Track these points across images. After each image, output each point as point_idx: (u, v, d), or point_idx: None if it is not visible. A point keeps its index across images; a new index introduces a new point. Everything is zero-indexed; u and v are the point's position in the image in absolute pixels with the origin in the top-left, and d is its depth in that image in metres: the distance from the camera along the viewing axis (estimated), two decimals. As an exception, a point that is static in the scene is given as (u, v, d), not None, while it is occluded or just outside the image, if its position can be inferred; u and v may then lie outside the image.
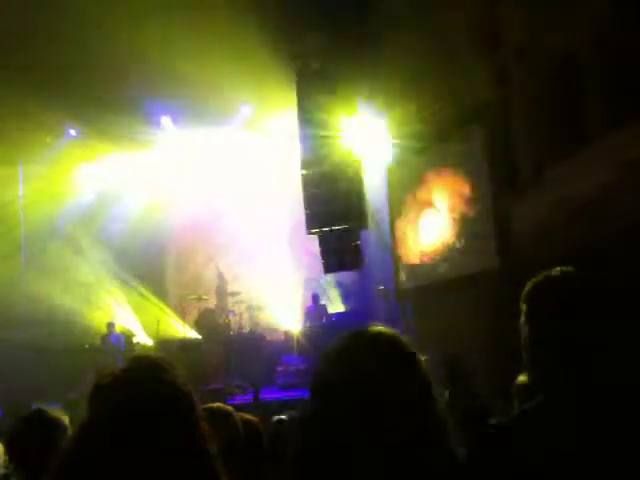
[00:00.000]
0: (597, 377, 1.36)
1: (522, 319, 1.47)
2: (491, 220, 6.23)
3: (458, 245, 6.88)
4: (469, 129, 6.54)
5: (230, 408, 2.64)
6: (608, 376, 1.35)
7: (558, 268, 1.41)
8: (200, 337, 10.49)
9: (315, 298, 10.67)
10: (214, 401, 2.80)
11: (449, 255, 7.05)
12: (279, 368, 9.29)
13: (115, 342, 9.77)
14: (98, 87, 8.70)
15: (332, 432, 1.19)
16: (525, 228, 5.33)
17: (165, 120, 10.64)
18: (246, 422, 2.75)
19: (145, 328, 11.57)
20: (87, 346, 9.86)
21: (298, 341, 9.83)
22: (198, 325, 10.75)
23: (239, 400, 8.26)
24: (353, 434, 1.17)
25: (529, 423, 1.41)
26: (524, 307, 1.47)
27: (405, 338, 1.27)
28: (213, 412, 2.30)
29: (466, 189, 6.68)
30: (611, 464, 1.28)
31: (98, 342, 9.91)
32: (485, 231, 6.34)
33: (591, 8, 4.17)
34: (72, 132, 10.71)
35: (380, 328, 1.29)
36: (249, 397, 8.40)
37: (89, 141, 10.80)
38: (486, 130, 6.23)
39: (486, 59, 5.73)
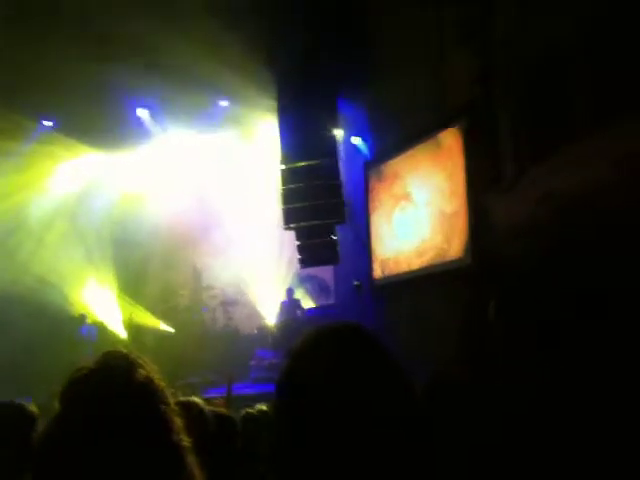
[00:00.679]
0: None
1: None
2: (469, 217, 6.29)
3: (434, 240, 6.93)
4: (450, 126, 6.58)
5: (201, 402, 2.64)
6: None
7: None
8: (174, 331, 10.44)
9: (289, 292, 10.67)
10: (188, 395, 2.80)
11: (424, 250, 7.10)
12: (253, 362, 9.29)
13: (85, 334, 9.67)
14: (72, 77, 8.57)
15: (299, 427, 1.19)
16: (503, 225, 5.38)
17: (142, 113, 10.53)
18: (218, 416, 2.75)
19: (119, 321, 11.49)
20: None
21: (272, 335, 9.84)
22: (173, 320, 10.70)
23: (213, 394, 8.24)
24: (319, 429, 1.17)
25: None
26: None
27: (372, 331, 1.26)
28: (184, 406, 2.29)
29: (444, 185, 6.73)
30: None
31: (70, 334, 9.80)
32: (462, 227, 6.40)
33: (576, 6, 4.21)
34: (46, 123, 10.50)
35: (345, 322, 1.27)
36: (222, 391, 8.38)
37: (64, 135, 10.61)
38: (467, 127, 6.27)
39: (470, 57, 5.77)
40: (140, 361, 1.49)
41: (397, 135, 7.46)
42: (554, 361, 1.44)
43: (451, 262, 6.55)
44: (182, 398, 2.54)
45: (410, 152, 7.30)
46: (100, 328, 10.52)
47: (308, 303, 11.07)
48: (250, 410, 3.80)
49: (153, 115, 10.59)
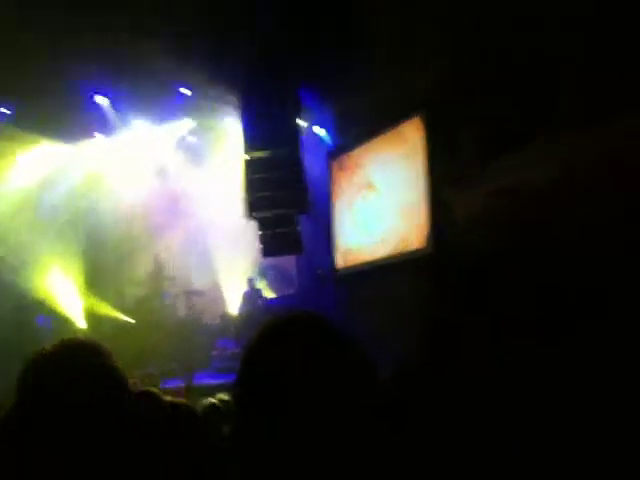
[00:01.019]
0: None
1: None
2: (430, 207, 6.36)
3: (397, 231, 6.99)
4: (412, 117, 6.63)
5: (157, 391, 2.62)
6: None
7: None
8: (134, 321, 10.33)
9: (251, 282, 10.65)
10: (148, 385, 2.78)
11: (387, 240, 7.16)
12: (215, 352, 9.26)
13: (42, 323, 9.49)
14: (27, 65, 8.35)
15: (258, 416, 1.20)
16: (462, 217, 5.45)
17: (101, 100, 10.34)
18: (175, 406, 2.73)
19: (79, 310, 11.33)
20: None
21: (234, 325, 9.82)
22: (133, 310, 10.58)
23: (173, 384, 8.20)
24: (279, 417, 1.18)
25: None
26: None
27: (332, 319, 1.28)
28: (140, 396, 2.28)
29: (406, 176, 6.78)
30: None
31: (27, 322, 9.62)
32: (424, 218, 6.47)
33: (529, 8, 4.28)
34: (3, 110, 10.19)
35: (305, 310, 1.29)
36: (184, 381, 8.35)
37: (21, 125, 10.32)
38: (429, 119, 6.33)
39: (435, 50, 5.81)
40: (98, 348, 1.49)
41: (360, 126, 7.49)
42: (508, 352, 1.47)
43: (413, 252, 6.63)
44: (139, 388, 2.53)
45: (373, 142, 7.34)
46: (58, 317, 10.34)
47: (270, 293, 11.07)
48: (211, 400, 3.79)
49: (113, 103, 10.40)
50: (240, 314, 10.18)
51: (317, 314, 1.29)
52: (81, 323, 10.81)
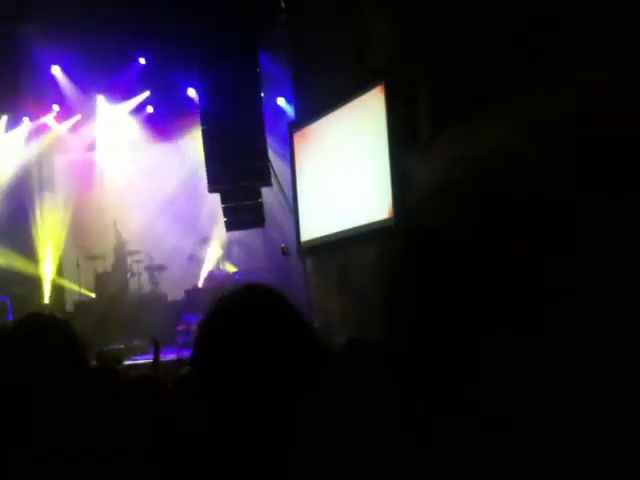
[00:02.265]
0: None
1: None
2: (392, 178, 6.34)
3: (361, 201, 6.98)
4: (373, 87, 6.57)
5: (117, 366, 2.60)
6: None
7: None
8: (97, 297, 10.19)
9: (218, 257, 10.62)
10: (114, 361, 2.74)
11: (351, 211, 7.14)
12: (180, 327, 9.20)
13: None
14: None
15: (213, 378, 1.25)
16: (421, 187, 5.46)
17: (56, 71, 10.05)
18: (141, 380, 2.71)
19: (38, 289, 11.15)
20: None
21: (199, 300, 9.76)
22: (95, 286, 10.44)
23: (139, 360, 8.14)
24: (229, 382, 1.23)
25: None
26: None
27: (280, 291, 1.35)
28: (99, 370, 2.26)
29: (369, 146, 6.75)
30: None
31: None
32: (387, 188, 6.45)
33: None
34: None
35: (257, 284, 1.38)
36: (150, 357, 8.29)
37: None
38: (388, 88, 6.29)
39: (391, 18, 5.75)
40: (59, 322, 1.50)
41: (321, 96, 7.40)
42: (467, 323, 1.47)
43: (377, 223, 6.62)
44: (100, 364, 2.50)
45: (334, 113, 7.27)
46: (18, 294, 10.17)
47: (236, 267, 11.03)
48: (180, 373, 3.78)
49: (69, 74, 10.12)
50: (205, 289, 10.13)
51: (268, 287, 1.36)
52: (43, 299, 10.68)
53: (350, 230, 7.07)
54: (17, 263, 11.24)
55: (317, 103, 7.62)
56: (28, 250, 11.46)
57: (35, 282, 11.29)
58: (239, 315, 1.28)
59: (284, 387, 1.21)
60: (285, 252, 8.43)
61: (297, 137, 8.08)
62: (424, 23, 5.02)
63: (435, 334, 1.45)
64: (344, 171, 7.22)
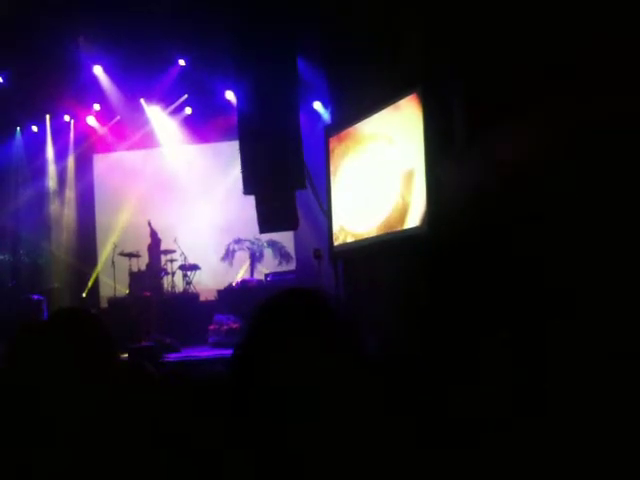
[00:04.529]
0: None
1: None
2: (427, 184, 6.29)
3: (394, 208, 6.95)
4: (409, 92, 6.54)
5: (146, 363, 2.63)
6: None
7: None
8: (130, 295, 10.34)
9: (252, 258, 10.71)
10: (145, 359, 2.78)
11: (384, 217, 7.12)
12: (211, 327, 9.28)
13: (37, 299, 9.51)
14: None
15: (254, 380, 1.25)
16: (457, 193, 5.42)
17: (97, 70, 10.24)
18: (163, 378, 2.74)
19: (76, 284, 11.41)
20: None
21: (231, 301, 9.83)
22: (130, 283, 10.59)
23: (170, 357, 8.24)
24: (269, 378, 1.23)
25: None
26: None
27: (323, 295, 1.33)
28: (129, 366, 2.28)
29: (405, 152, 6.72)
30: None
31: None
32: (421, 195, 6.41)
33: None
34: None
35: (303, 287, 1.36)
36: (179, 356, 8.41)
37: (19, 94, 10.21)
38: (425, 94, 6.25)
39: (426, 22, 5.73)
40: (91, 318, 1.52)
41: (357, 100, 7.40)
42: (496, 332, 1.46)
43: (410, 230, 6.59)
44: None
45: (370, 117, 7.26)
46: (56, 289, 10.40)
47: (269, 269, 11.09)
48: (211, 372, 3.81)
49: (109, 73, 10.31)
50: (238, 290, 10.19)
51: (313, 291, 1.35)
52: (81, 294, 10.92)
53: (382, 236, 7.05)
54: (57, 258, 11.51)
55: (353, 107, 7.62)
56: (67, 246, 11.72)
57: (74, 277, 11.54)
58: (283, 318, 1.29)
59: (318, 391, 1.21)
60: (317, 255, 8.44)
61: (333, 141, 8.10)
62: (459, 29, 4.99)
63: (464, 337, 1.46)
64: (378, 176, 7.21)
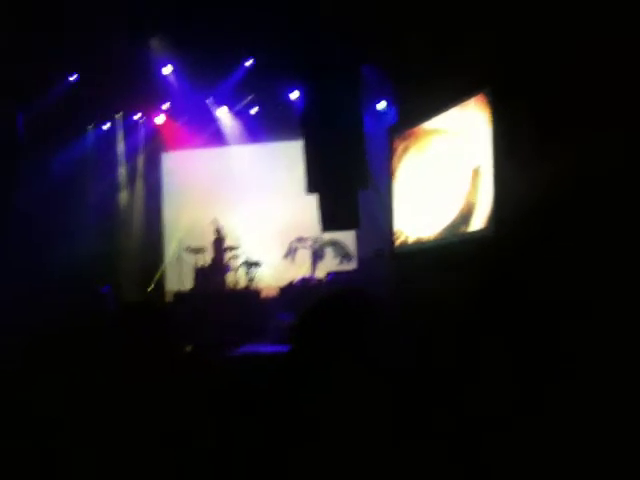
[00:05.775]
0: None
1: None
2: (492, 186, 6.19)
3: (458, 208, 6.86)
4: (476, 93, 6.45)
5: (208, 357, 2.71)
6: None
7: None
8: (195, 290, 10.56)
9: (315, 257, 10.78)
10: (207, 353, 2.85)
11: (448, 218, 7.03)
12: (272, 324, 9.38)
13: (106, 291, 9.85)
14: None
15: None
16: (523, 198, 5.31)
17: (167, 70, 10.52)
18: (225, 372, 2.80)
19: (144, 278, 11.75)
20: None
21: (292, 298, 9.90)
22: (194, 278, 10.82)
23: (232, 353, 8.37)
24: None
25: None
26: None
27: (371, 298, 1.45)
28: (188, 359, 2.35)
29: (470, 153, 6.62)
30: None
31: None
32: (487, 197, 6.31)
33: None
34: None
35: (350, 288, 1.49)
36: (241, 350, 8.52)
37: (88, 93, 10.57)
38: (493, 96, 6.15)
39: (494, 25, 5.63)
40: (157, 311, 1.58)
41: (422, 101, 7.33)
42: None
43: (474, 232, 6.49)
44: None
45: (436, 119, 7.19)
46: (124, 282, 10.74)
47: (330, 268, 11.12)
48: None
49: (178, 73, 10.57)
50: (299, 288, 10.26)
51: (361, 292, 1.43)
52: (147, 288, 11.24)
53: (444, 239, 6.97)
54: (125, 252, 11.88)
55: (418, 108, 7.56)
56: (136, 241, 12.09)
57: (140, 272, 11.88)
58: (329, 316, 1.39)
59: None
60: (379, 255, 8.42)
61: (397, 142, 8.05)
62: (529, 29, 4.87)
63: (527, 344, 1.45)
64: (441, 178, 7.13)
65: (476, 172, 6.49)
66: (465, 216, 6.68)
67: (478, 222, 6.41)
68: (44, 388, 1.55)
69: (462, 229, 6.68)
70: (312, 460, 1.31)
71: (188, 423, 1.58)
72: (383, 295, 6.56)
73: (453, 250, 6.71)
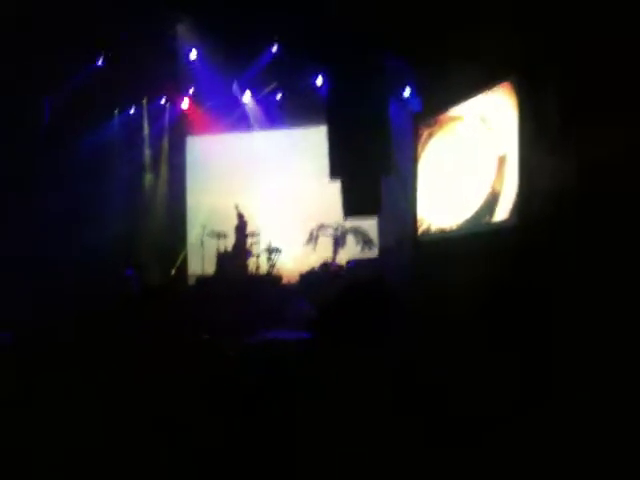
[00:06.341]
0: None
1: None
2: (519, 176, 6.11)
3: (482, 197, 6.79)
4: (502, 81, 6.36)
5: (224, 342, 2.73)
6: None
7: None
8: (217, 275, 10.63)
9: (336, 244, 10.78)
10: (226, 338, 2.87)
11: (472, 207, 6.97)
12: (292, 311, 9.41)
13: (130, 274, 9.95)
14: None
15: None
16: (549, 188, 5.23)
17: (193, 54, 10.54)
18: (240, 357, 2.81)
19: (167, 261, 11.85)
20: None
21: (312, 285, 9.92)
22: (217, 263, 10.89)
23: (250, 339, 8.41)
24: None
25: None
26: None
27: (391, 288, 1.49)
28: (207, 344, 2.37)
29: (496, 142, 6.54)
30: None
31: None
32: (512, 187, 6.23)
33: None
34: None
35: (368, 276, 1.55)
36: (260, 336, 8.55)
37: (114, 76, 10.62)
38: (519, 84, 6.06)
39: (520, 20, 5.54)
40: (175, 296, 1.62)
41: (448, 88, 7.24)
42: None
43: (499, 223, 6.42)
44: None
45: (461, 106, 7.10)
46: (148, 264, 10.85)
47: (351, 255, 11.11)
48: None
49: (204, 58, 10.58)
50: (320, 274, 10.28)
51: (381, 283, 1.47)
52: (170, 271, 11.36)
53: (468, 229, 6.91)
54: (149, 236, 11.99)
55: (443, 95, 7.47)
56: (160, 224, 12.19)
57: (163, 255, 11.99)
58: (350, 306, 1.57)
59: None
60: (401, 243, 8.39)
61: (421, 128, 7.98)
62: (555, 19, 4.78)
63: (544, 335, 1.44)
64: (466, 166, 7.05)
65: (502, 160, 6.40)
66: (490, 206, 6.60)
67: (502, 212, 6.34)
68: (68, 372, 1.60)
69: (486, 219, 6.60)
70: (326, 446, 1.32)
71: (195, 412, 1.60)
72: (404, 284, 6.54)
73: (477, 240, 6.64)
